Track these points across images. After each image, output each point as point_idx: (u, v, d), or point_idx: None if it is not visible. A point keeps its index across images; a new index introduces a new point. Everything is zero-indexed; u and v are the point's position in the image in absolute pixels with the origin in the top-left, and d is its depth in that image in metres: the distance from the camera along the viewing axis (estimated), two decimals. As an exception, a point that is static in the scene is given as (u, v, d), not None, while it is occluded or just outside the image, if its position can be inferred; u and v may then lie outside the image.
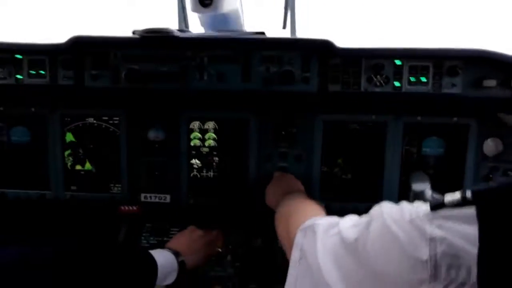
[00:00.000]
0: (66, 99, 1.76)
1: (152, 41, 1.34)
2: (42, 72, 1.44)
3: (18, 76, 1.44)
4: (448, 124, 1.72)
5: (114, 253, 1.16)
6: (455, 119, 1.71)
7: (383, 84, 1.39)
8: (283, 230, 1.11)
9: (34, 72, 1.44)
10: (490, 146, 1.73)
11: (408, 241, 0.62)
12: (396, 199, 1.77)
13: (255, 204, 1.81)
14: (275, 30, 1.94)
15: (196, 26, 1.79)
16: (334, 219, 0.88)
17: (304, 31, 2.02)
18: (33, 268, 0.98)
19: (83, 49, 1.41)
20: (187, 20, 1.85)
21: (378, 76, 1.39)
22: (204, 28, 1.61)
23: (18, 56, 1.43)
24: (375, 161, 1.77)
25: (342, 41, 1.43)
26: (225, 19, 1.51)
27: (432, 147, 1.76)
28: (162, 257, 1.26)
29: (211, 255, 1.45)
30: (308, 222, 0.91)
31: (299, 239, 0.89)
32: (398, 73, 1.38)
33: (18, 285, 0.94)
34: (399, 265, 0.62)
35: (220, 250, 1.47)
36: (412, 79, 1.38)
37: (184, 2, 1.72)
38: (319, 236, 0.82)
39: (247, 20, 1.82)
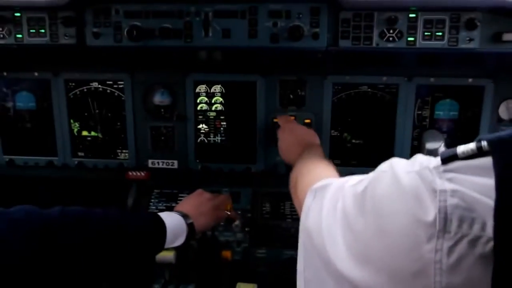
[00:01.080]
0: (69, 60, 1.73)
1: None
2: (42, 30, 1.40)
3: (18, 35, 1.41)
4: (463, 86, 1.65)
5: (123, 215, 1.14)
6: (470, 80, 1.64)
7: (396, 39, 1.32)
8: (295, 191, 1.08)
9: (33, 31, 1.40)
10: (506, 108, 1.67)
11: (415, 193, 0.58)
12: (407, 164, 1.72)
13: (263, 168, 1.78)
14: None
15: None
16: (345, 178, 0.83)
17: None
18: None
19: (84, 5, 1.37)
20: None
21: (391, 31, 1.32)
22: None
23: (17, 14, 1.39)
24: (386, 125, 1.72)
25: None
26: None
27: (445, 110, 1.70)
28: (171, 219, 1.24)
29: (220, 219, 1.43)
30: (319, 183, 0.87)
31: (308, 200, 0.85)
32: (412, 28, 1.31)
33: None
34: (405, 220, 0.58)
35: (229, 213, 1.45)
36: (427, 33, 1.31)
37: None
38: (327, 198, 0.78)
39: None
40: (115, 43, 1.37)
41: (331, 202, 0.76)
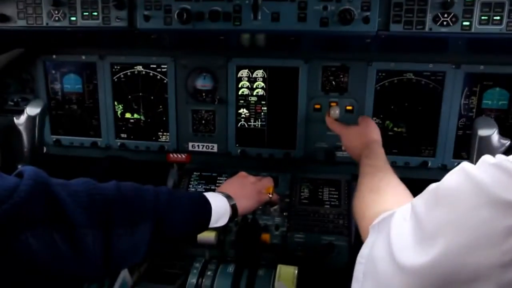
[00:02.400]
0: (114, 44, 1.77)
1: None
2: (95, 13, 1.44)
3: (72, 18, 1.45)
4: None
5: (173, 193, 1.16)
6: None
7: (451, 23, 1.28)
8: (359, 208, 1.05)
9: (87, 14, 1.44)
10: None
11: (495, 183, 0.56)
12: (451, 155, 1.69)
13: (302, 154, 1.78)
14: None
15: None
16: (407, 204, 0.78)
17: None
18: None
19: (136, -12, 1.39)
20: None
21: (446, 15, 1.28)
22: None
23: (72, -3, 1.43)
24: (430, 114, 1.68)
25: None
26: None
27: (494, 100, 1.65)
28: (215, 200, 1.26)
29: (262, 202, 1.45)
30: (380, 217, 0.83)
31: (372, 236, 0.82)
32: (468, 11, 1.27)
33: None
34: (482, 213, 0.56)
35: (271, 196, 1.47)
36: (484, 17, 1.26)
37: None
38: (393, 232, 0.72)
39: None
40: (164, 26, 1.39)
41: (398, 221, 0.73)
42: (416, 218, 0.68)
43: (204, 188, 1.80)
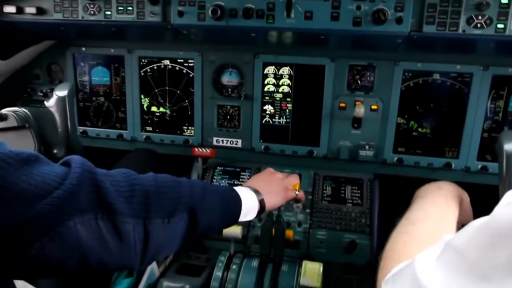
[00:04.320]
0: (145, 38, 1.80)
1: (242, -25, 1.31)
2: (130, 8, 1.46)
3: (107, 12, 1.48)
4: None
5: (207, 186, 1.18)
6: None
7: (485, 25, 1.28)
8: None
9: (122, 8, 1.47)
10: None
11: None
12: (475, 158, 1.69)
13: (326, 152, 1.80)
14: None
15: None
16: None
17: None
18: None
19: (171, -16, 1.42)
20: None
21: (480, 17, 1.28)
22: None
23: (107, -8, 1.46)
24: (455, 115, 1.68)
25: None
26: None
27: None
28: (244, 194, 1.28)
29: (288, 198, 1.46)
30: (399, 267, 0.73)
31: None
32: (503, 14, 1.27)
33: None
34: None
35: (297, 193, 1.49)
36: (519, 20, 1.26)
37: None
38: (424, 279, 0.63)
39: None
40: (198, 21, 1.41)
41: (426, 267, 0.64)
42: (463, 262, 0.58)
43: (227, 183, 1.83)
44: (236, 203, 1.25)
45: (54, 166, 0.88)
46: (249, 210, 1.29)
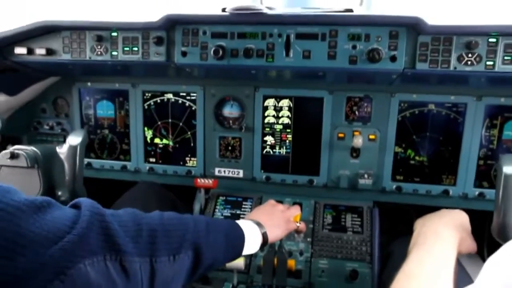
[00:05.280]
0: (148, 73, 1.86)
1: (242, 18, 1.38)
2: (135, 48, 1.53)
3: (113, 53, 1.54)
4: None
5: (211, 223, 1.22)
6: None
7: (475, 63, 1.34)
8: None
9: (127, 49, 1.53)
10: None
11: None
12: (472, 185, 1.73)
13: (326, 181, 1.84)
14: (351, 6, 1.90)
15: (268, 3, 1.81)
16: None
17: (380, 9, 1.97)
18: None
19: (175, 26, 1.48)
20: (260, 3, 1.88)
21: (470, 55, 1.34)
22: (283, 4, 1.64)
23: (114, 34, 1.53)
24: (451, 144, 1.73)
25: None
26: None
27: None
28: (248, 228, 1.31)
29: (290, 230, 1.50)
30: None
31: None
32: (491, 52, 1.33)
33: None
34: None
35: (298, 225, 1.52)
36: (507, 57, 1.32)
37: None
38: None
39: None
40: (200, 61, 1.47)
41: None
42: None
43: (230, 213, 1.86)
44: (239, 238, 1.28)
45: (65, 210, 0.92)
46: (252, 244, 1.32)
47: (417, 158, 1.78)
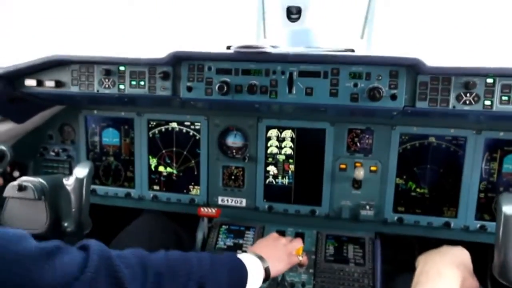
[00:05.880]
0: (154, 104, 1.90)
1: (246, 56, 1.42)
2: (142, 83, 1.57)
3: (121, 86, 1.59)
4: None
5: (215, 260, 1.23)
6: None
7: (473, 102, 1.37)
8: None
9: (134, 83, 1.57)
10: None
11: None
12: (474, 217, 1.75)
13: (328, 211, 1.85)
14: (352, 39, 1.96)
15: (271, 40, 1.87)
16: None
17: (380, 41, 2.02)
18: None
19: (181, 62, 1.53)
20: (265, 33, 1.93)
21: (468, 94, 1.38)
22: (286, 44, 1.69)
23: (122, 68, 1.58)
24: (452, 176, 1.75)
25: (419, 49, 1.44)
26: (307, 34, 1.57)
27: None
28: (250, 262, 1.33)
29: (292, 264, 1.51)
30: None
31: None
32: (489, 92, 1.36)
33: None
34: None
35: (301, 259, 1.53)
36: (505, 97, 1.36)
37: (263, 22, 1.80)
38: None
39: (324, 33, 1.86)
40: (205, 96, 1.51)
41: None
42: None
43: (232, 242, 1.87)
44: (242, 274, 1.29)
45: (73, 254, 0.94)
46: (255, 278, 1.33)
47: (418, 190, 1.80)
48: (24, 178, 1.49)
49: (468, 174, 1.73)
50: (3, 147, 1.48)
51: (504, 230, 1.18)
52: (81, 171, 1.49)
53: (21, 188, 1.44)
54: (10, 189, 1.46)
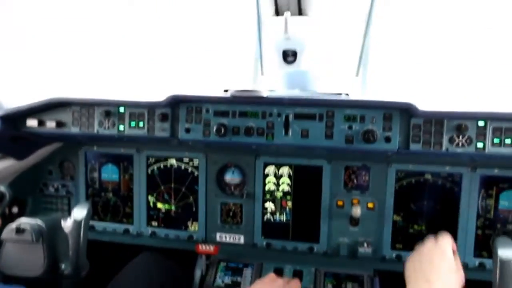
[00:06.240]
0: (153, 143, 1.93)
1: (244, 100, 1.46)
2: (141, 124, 1.60)
3: (120, 127, 1.62)
4: None
5: None
6: None
7: (466, 145, 1.40)
8: None
9: (134, 124, 1.60)
10: None
11: None
12: (472, 254, 1.74)
13: (326, 248, 1.85)
14: (347, 76, 2.01)
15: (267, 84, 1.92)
16: None
17: (375, 78, 2.07)
18: None
19: (179, 105, 1.56)
20: (262, 70, 1.98)
21: (461, 137, 1.40)
22: (282, 85, 1.73)
23: (121, 110, 1.61)
24: (449, 213, 1.76)
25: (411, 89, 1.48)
26: (303, 76, 1.61)
27: (510, 201, 1.72)
28: None
29: None
30: None
31: None
32: (481, 135, 1.39)
33: None
34: None
35: (298, 300, 1.52)
36: (496, 140, 1.38)
37: (261, 62, 1.85)
38: None
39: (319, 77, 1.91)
40: (203, 137, 1.54)
41: None
42: None
43: (231, 280, 1.86)
44: None
45: None
46: None
47: (415, 226, 1.80)
48: (22, 219, 1.49)
49: (465, 210, 1.73)
50: (2, 188, 1.49)
51: (500, 274, 1.19)
52: (79, 212, 1.50)
53: (19, 230, 1.45)
54: (8, 232, 1.46)
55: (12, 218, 1.74)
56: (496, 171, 1.71)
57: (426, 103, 1.45)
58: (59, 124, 1.67)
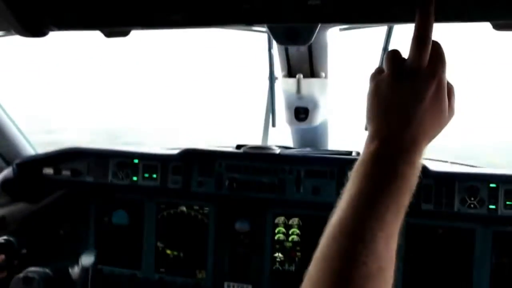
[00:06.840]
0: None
1: (255, 156, 1.48)
2: (154, 176, 1.63)
3: (134, 178, 1.64)
4: None
5: None
6: None
7: (478, 206, 1.40)
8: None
9: (147, 175, 1.63)
10: None
11: None
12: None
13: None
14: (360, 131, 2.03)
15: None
16: None
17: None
18: None
19: (192, 159, 1.59)
20: (274, 122, 2.01)
21: (472, 198, 1.41)
22: (293, 142, 1.76)
23: (135, 161, 1.65)
24: (461, 271, 1.73)
25: None
26: (315, 133, 1.65)
27: None
28: None
29: None
30: None
31: None
32: (493, 197, 1.39)
33: None
34: None
35: None
36: (509, 202, 1.38)
37: (273, 115, 1.88)
38: None
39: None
40: (216, 191, 1.56)
41: None
42: None
43: (237, 333, 1.83)
44: None
45: None
46: None
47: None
48: (30, 269, 1.50)
49: (478, 268, 1.70)
50: (11, 239, 1.51)
51: None
52: (87, 259, 1.50)
53: (26, 281, 1.45)
54: (16, 282, 1.47)
55: (20, 259, 1.76)
56: (510, 228, 1.69)
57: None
58: (75, 172, 1.71)
